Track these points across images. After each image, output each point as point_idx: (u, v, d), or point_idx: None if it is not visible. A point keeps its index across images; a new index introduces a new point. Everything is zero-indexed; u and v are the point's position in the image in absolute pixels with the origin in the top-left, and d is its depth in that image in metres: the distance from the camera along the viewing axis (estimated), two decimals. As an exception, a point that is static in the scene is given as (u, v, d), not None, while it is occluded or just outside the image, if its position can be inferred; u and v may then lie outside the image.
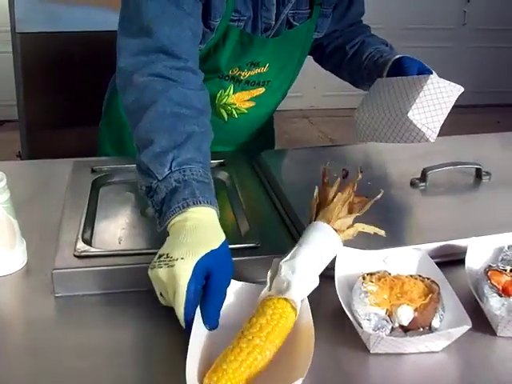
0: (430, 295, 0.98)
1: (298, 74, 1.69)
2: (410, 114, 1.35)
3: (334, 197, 1.09)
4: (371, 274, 1.03)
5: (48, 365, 0.95)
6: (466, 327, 0.93)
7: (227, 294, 1.01)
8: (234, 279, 1.04)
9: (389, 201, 1.34)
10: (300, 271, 0.98)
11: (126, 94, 1.26)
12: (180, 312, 0.95)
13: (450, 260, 1.15)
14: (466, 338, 0.96)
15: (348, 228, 1.09)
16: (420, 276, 1.03)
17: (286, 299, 0.95)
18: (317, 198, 1.10)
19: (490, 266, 1.08)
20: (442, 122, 1.36)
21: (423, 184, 1.44)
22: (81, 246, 1.14)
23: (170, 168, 1.11)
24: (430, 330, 0.97)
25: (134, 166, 1.19)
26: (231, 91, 1.58)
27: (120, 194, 1.42)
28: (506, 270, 1.07)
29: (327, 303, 1.06)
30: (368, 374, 0.96)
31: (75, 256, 1.12)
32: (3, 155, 2.88)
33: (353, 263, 1.08)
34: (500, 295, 1.01)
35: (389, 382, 0.94)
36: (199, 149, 1.15)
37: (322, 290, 1.02)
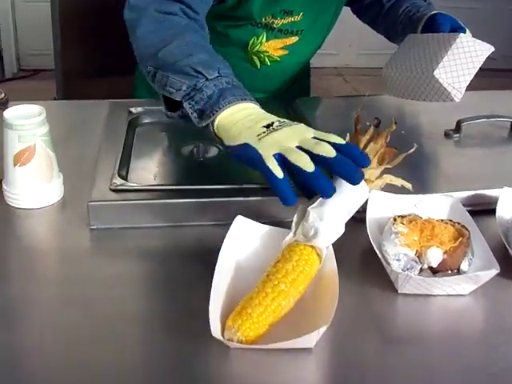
0: (460, 239, 0.99)
1: (334, 27, 1.67)
2: (436, 73, 1.34)
3: (365, 146, 1.09)
4: (402, 217, 1.03)
5: (79, 292, 0.97)
6: (495, 271, 0.94)
7: (252, 237, 1.01)
8: (268, 217, 1.06)
9: (422, 150, 1.33)
10: (328, 219, 0.96)
11: (141, 26, 1.23)
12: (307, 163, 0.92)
13: (480, 209, 1.15)
14: (494, 283, 0.96)
15: (377, 179, 1.09)
16: (451, 221, 1.03)
17: (312, 246, 0.94)
18: None
19: (520, 214, 1.07)
20: (468, 82, 1.35)
21: (457, 135, 1.44)
22: (117, 180, 1.15)
23: (219, 73, 1.10)
24: (459, 273, 0.97)
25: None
26: (264, 39, 1.57)
27: (155, 134, 1.43)
28: (535, 219, 1.06)
29: (356, 245, 1.07)
30: (396, 314, 0.97)
31: (111, 190, 1.13)
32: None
33: (384, 206, 1.08)
34: (528, 243, 1.01)
35: (416, 323, 0.95)
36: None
37: (352, 233, 1.02)
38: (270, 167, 0.93)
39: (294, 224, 0.98)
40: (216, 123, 1.05)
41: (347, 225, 1.00)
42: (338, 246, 0.98)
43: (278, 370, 0.84)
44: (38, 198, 1.17)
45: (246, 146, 0.98)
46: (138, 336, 0.90)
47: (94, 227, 1.11)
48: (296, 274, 0.90)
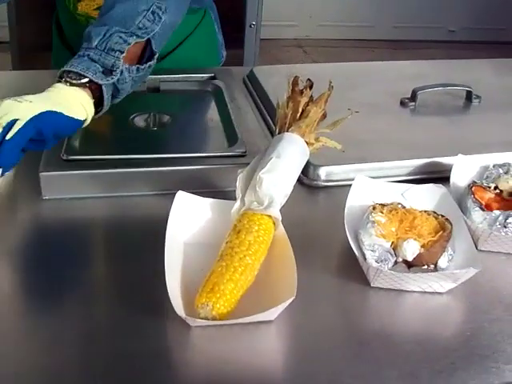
0: (440, 232, 0.83)
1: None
2: None
3: (305, 108, 0.92)
4: (383, 205, 0.87)
5: (31, 262, 0.85)
6: (474, 270, 0.79)
7: (196, 212, 0.88)
8: (217, 185, 0.97)
9: (378, 118, 1.20)
10: (281, 186, 0.85)
11: None
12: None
13: (435, 177, 1.00)
14: (473, 282, 0.78)
15: (315, 142, 0.94)
16: (435, 213, 0.88)
17: (269, 216, 0.82)
18: (287, 107, 0.93)
19: (474, 181, 0.97)
20: None
21: (413, 104, 1.28)
22: (68, 150, 1.02)
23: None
24: (436, 269, 0.81)
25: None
26: None
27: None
28: (490, 188, 0.95)
29: (335, 232, 0.88)
30: (365, 307, 0.80)
31: (63, 160, 1.01)
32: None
33: (369, 193, 0.92)
34: (483, 210, 0.90)
35: (385, 318, 0.78)
36: None
37: (332, 219, 0.88)
38: None
39: (239, 191, 0.87)
40: None
41: (328, 211, 0.93)
42: (315, 232, 0.90)
43: (238, 343, 0.73)
44: (-12, 170, 1.04)
45: None
46: (89, 307, 0.78)
47: (46, 197, 0.98)
48: (257, 245, 0.80)
